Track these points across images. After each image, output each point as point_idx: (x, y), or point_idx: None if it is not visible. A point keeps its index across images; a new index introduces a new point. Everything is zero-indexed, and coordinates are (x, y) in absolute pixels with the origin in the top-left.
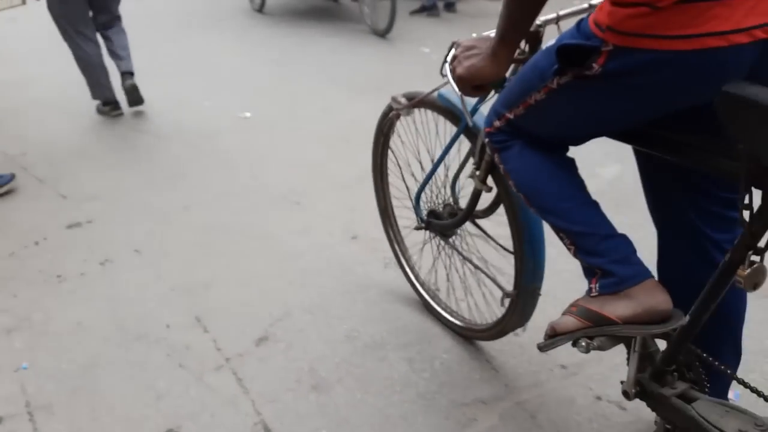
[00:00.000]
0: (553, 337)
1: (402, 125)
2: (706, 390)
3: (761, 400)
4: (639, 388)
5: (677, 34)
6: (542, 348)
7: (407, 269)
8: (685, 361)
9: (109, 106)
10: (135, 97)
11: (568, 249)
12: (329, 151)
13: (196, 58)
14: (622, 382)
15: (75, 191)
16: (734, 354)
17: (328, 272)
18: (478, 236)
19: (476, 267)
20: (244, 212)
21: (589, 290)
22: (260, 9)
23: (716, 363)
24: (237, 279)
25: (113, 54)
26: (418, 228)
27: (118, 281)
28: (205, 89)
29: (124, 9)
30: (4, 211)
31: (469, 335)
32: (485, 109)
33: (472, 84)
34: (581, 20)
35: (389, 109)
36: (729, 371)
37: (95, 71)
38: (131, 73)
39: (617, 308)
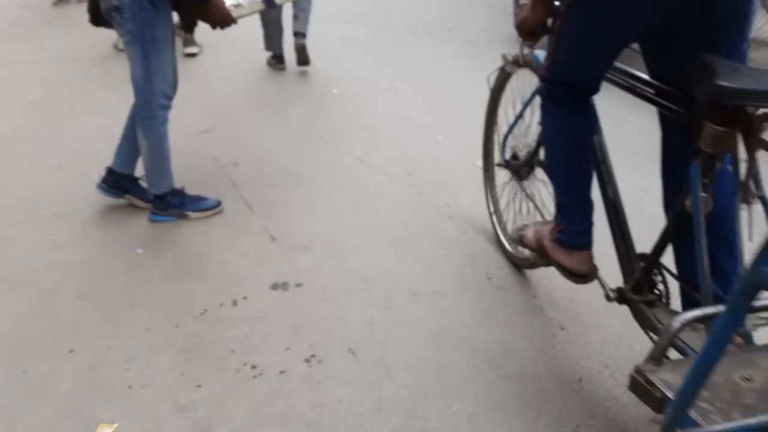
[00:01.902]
0: (520, 242)
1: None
2: (668, 301)
3: None
4: (618, 295)
5: None
6: (515, 241)
7: (491, 205)
8: (655, 280)
9: (275, 60)
10: (302, 56)
11: (554, 199)
12: None
13: (420, 70)
14: (609, 290)
15: (285, 233)
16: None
17: None
18: (543, 182)
19: (535, 207)
20: None
21: (552, 231)
22: None
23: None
24: None
25: (294, 15)
26: (498, 164)
27: (325, 394)
28: (439, 123)
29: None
30: (205, 243)
31: (519, 264)
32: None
33: (524, 30)
34: None
35: (502, 67)
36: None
37: (271, 28)
38: (303, 34)
39: (556, 253)
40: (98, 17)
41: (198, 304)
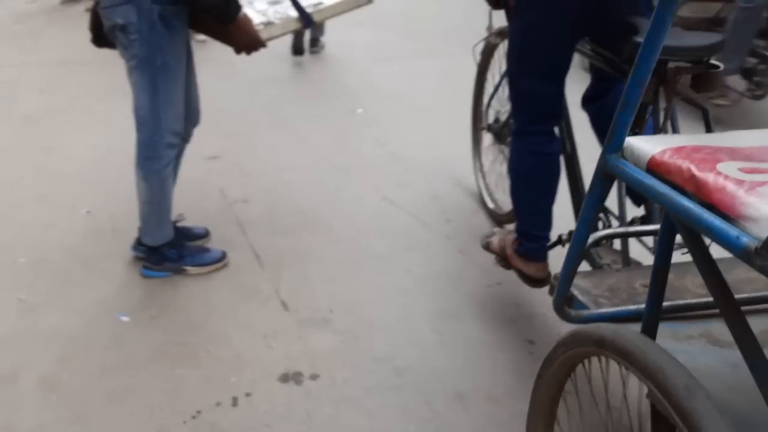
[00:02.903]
0: (486, 248)
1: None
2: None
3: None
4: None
5: None
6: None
7: (477, 165)
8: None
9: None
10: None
11: (515, 223)
12: None
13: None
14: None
15: (299, 298)
16: None
17: None
18: None
19: None
20: None
21: (513, 243)
22: None
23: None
24: None
25: None
26: (482, 128)
27: None
28: None
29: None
30: (204, 309)
31: (500, 219)
32: None
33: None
34: None
35: (488, 41)
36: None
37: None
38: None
39: (516, 262)
40: (101, 37)
41: (190, 401)
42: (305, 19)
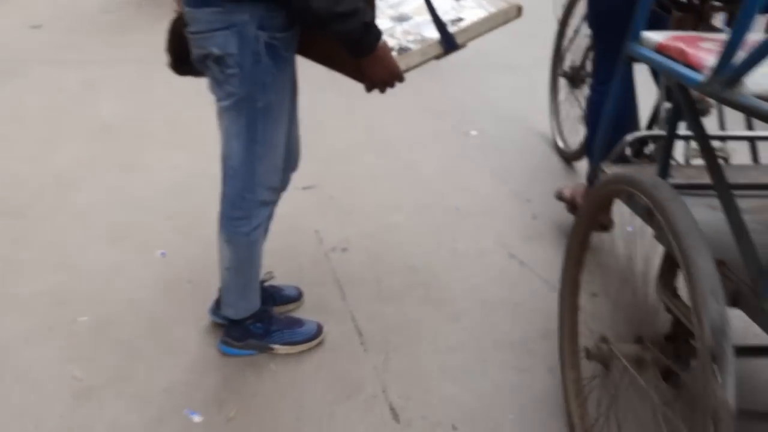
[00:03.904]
0: (559, 198)
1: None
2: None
3: None
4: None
5: None
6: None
7: (553, 108)
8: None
9: None
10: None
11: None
12: None
13: None
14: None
15: (413, 404)
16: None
17: None
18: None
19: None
20: None
21: (582, 193)
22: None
23: None
24: None
25: None
26: (560, 75)
27: None
28: None
29: None
30: (293, 409)
31: (568, 157)
32: None
33: None
34: None
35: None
36: None
37: None
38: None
39: None
40: (184, 62)
41: None
42: (448, 42)
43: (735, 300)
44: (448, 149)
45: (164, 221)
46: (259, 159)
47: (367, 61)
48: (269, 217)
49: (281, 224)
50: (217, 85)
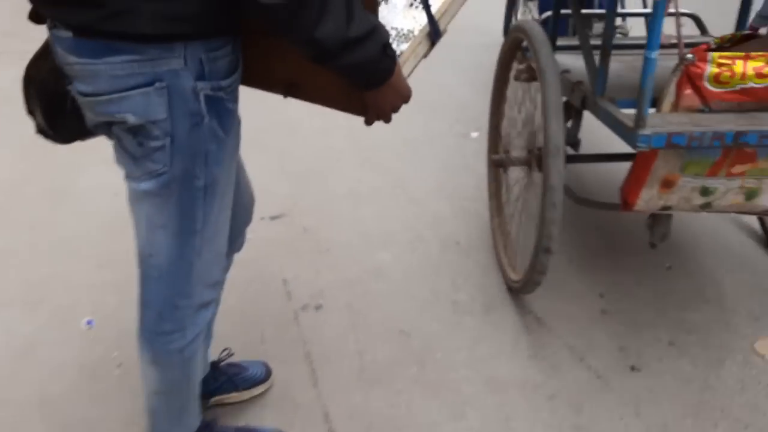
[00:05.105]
0: None
1: None
2: None
3: None
4: None
5: None
6: None
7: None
8: None
9: None
10: None
11: None
12: None
13: None
14: None
15: None
16: None
17: None
18: None
19: None
20: None
21: None
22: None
23: None
24: None
25: None
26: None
27: None
28: None
29: None
30: None
31: None
32: None
33: None
34: None
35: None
36: None
37: None
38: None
39: None
40: (59, 121)
41: None
42: (435, 32)
43: (583, 103)
44: (445, 156)
45: (95, 272)
46: (198, 254)
47: (378, 89)
48: (213, 315)
49: (241, 271)
50: (130, 161)
